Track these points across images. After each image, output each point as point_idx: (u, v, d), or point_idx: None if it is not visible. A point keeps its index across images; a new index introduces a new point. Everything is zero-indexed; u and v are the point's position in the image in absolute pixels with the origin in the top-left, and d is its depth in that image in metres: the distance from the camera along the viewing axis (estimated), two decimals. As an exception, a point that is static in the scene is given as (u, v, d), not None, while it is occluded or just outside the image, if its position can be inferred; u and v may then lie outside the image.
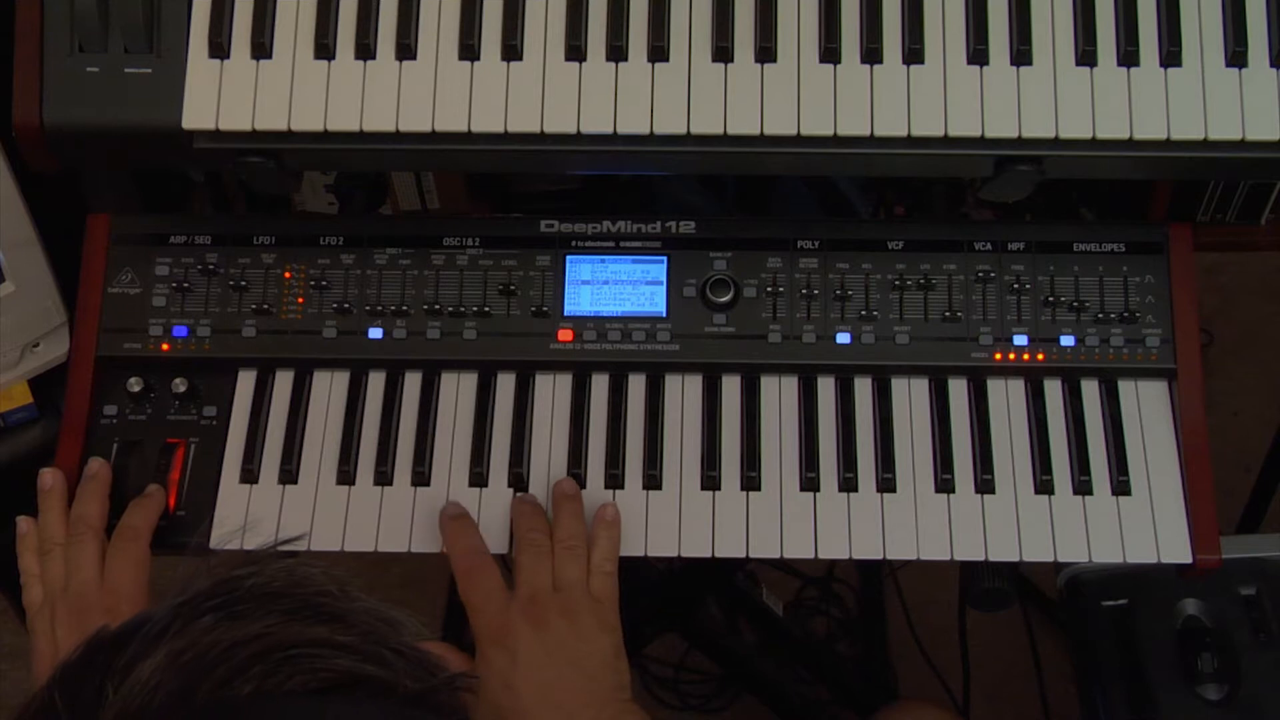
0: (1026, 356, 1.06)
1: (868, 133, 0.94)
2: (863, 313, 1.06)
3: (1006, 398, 1.06)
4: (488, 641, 0.94)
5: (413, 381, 1.08)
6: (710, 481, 1.03)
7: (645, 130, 0.94)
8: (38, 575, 0.97)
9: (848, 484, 1.03)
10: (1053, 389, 1.06)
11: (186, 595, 0.55)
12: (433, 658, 0.57)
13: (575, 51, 0.95)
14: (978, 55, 0.94)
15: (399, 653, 0.55)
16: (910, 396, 1.06)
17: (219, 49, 0.95)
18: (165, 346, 1.07)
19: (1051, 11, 0.95)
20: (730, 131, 0.94)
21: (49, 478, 1.01)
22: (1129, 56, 0.94)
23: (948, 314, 1.06)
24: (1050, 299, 1.06)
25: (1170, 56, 0.94)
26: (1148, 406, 1.05)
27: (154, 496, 1.01)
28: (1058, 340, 1.06)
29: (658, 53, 0.95)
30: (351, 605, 0.56)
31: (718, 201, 1.30)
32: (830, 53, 0.95)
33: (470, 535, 0.99)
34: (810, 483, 1.03)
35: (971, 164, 0.97)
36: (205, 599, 0.54)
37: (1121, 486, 1.02)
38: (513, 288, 1.07)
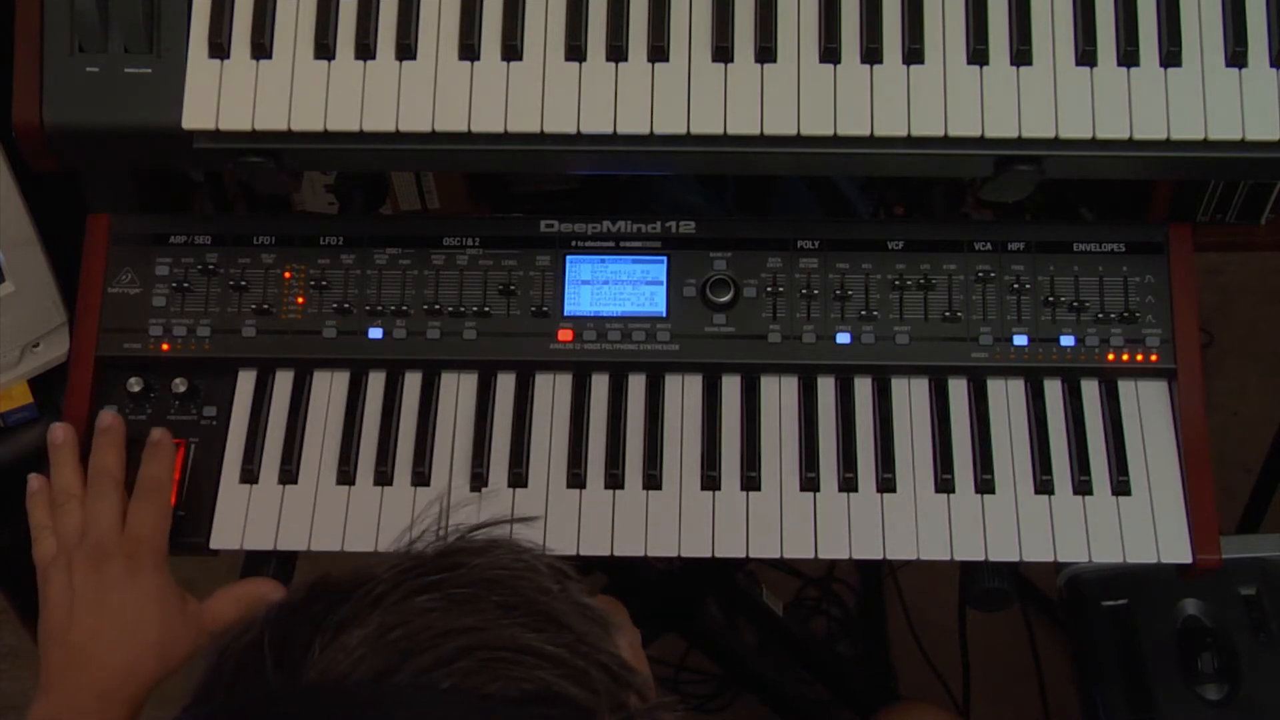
0: (1026, 356, 1.06)
1: (868, 133, 0.94)
2: (863, 313, 1.06)
3: (1006, 398, 1.06)
4: None
5: (413, 381, 1.07)
6: (710, 481, 1.03)
7: (645, 130, 0.94)
8: (49, 527, 0.97)
9: (848, 484, 1.03)
10: (1053, 389, 1.06)
11: (412, 559, 0.54)
12: (637, 679, 0.55)
13: (575, 51, 0.95)
14: (978, 55, 0.94)
15: (604, 668, 0.54)
16: (910, 396, 1.06)
17: (219, 49, 0.95)
18: (165, 346, 1.07)
19: (1051, 11, 0.95)
20: (730, 131, 0.94)
21: (60, 432, 1.01)
22: (1129, 56, 0.94)
23: (948, 314, 1.06)
24: (1050, 299, 1.06)
25: (1170, 56, 0.94)
26: (1148, 406, 1.05)
27: (164, 445, 1.01)
28: (1058, 340, 1.06)
29: (658, 53, 0.95)
30: (567, 606, 0.55)
31: (718, 201, 1.30)
32: (830, 53, 0.94)
33: None
34: (810, 483, 1.03)
35: (971, 164, 0.97)
36: (429, 571, 0.53)
37: (1121, 486, 1.02)
38: (513, 288, 1.07)
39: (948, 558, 1.01)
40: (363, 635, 0.50)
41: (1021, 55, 0.94)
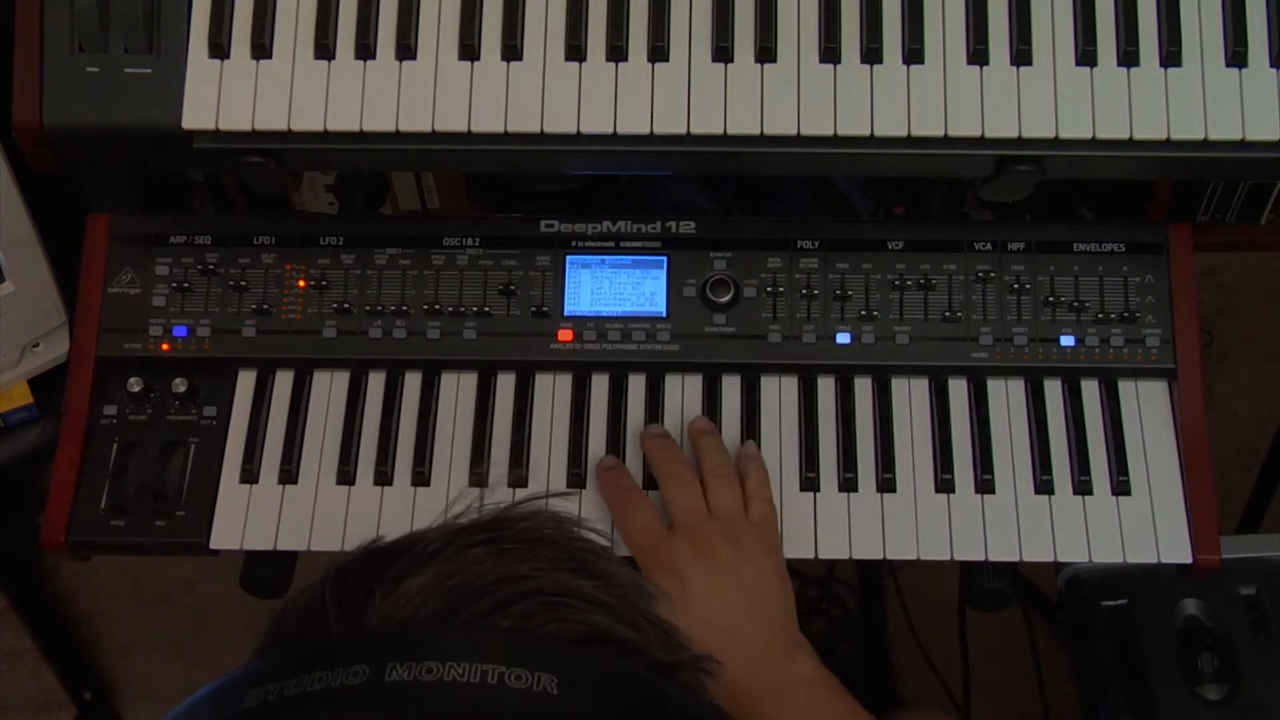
0: (1026, 356, 1.06)
1: (868, 133, 0.94)
2: (863, 313, 1.06)
3: (1006, 398, 1.06)
4: (655, 570, 0.94)
5: (413, 381, 1.08)
6: (710, 481, 1.03)
7: (645, 130, 0.94)
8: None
9: (848, 484, 1.03)
10: (1053, 389, 1.06)
11: (460, 524, 0.56)
12: (679, 635, 0.57)
13: (575, 51, 0.95)
14: (978, 55, 0.94)
15: (651, 622, 0.55)
16: (910, 396, 1.06)
17: (219, 49, 0.95)
18: (165, 346, 1.07)
19: (1051, 11, 0.95)
20: (730, 131, 0.94)
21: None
22: (1129, 56, 0.94)
23: (948, 314, 1.06)
24: (1050, 299, 1.06)
25: (1170, 56, 0.94)
26: (1148, 406, 1.05)
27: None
28: (1058, 340, 1.06)
29: (658, 53, 0.95)
30: (611, 567, 0.57)
31: (718, 201, 1.30)
32: (830, 53, 0.94)
33: (621, 478, 1.01)
34: (810, 483, 1.03)
35: (971, 164, 0.97)
36: (478, 531, 0.55)
37: (1121, 486, 1.02)
38: (513, 288, 1.07)
39: (948, 558, 1.01)
40: (422, 583, 0.52)
41: (1021, 55, 0.94)
